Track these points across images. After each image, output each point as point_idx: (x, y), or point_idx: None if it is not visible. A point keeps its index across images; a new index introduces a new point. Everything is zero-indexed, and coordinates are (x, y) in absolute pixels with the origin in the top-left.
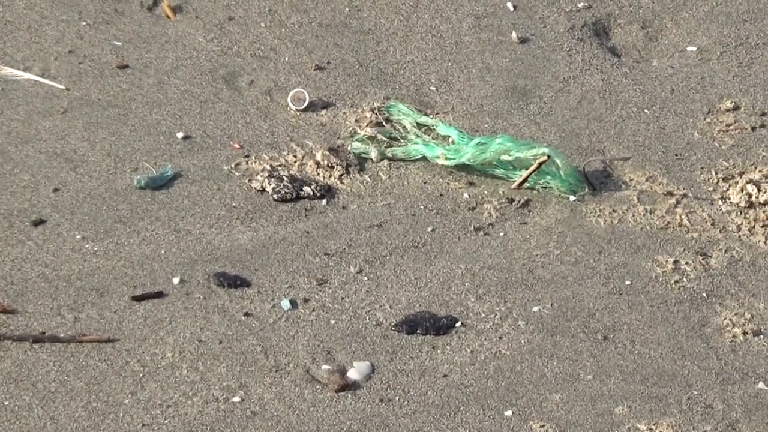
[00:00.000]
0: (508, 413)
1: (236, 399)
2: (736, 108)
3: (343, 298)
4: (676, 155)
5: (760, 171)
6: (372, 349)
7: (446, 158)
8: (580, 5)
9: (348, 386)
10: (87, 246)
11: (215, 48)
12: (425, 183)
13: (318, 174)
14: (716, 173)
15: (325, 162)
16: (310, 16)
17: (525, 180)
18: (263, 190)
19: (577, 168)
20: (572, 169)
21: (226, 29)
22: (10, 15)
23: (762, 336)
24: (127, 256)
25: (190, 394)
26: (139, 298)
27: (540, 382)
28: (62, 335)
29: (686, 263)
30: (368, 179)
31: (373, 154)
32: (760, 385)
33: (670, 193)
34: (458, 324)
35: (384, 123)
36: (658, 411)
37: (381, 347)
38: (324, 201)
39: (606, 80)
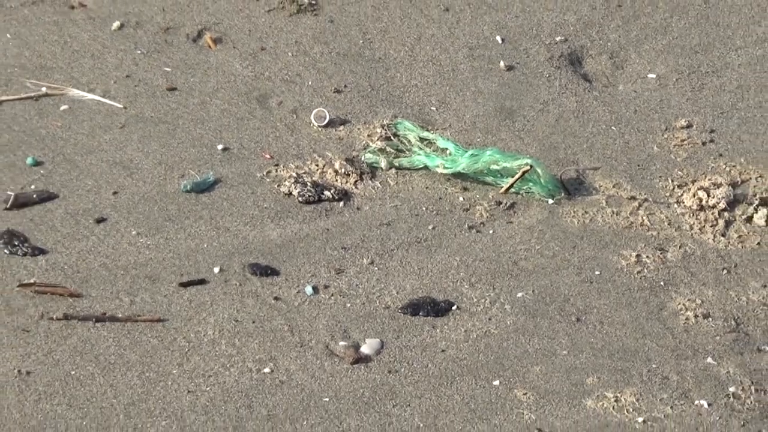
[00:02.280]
0: (496, 382)
1: (267, 370)
2: (689, 126)
3: (357, 285)
4: (639, 166)
5: (709, 179)
6: (382, 328)
7: (444, 167)
8: (558, 39)
9: (361, 359)
10: (141, 240)
11: (250, 73)
12: (427, 188)
13: (336, 180)
14: (672, 181)
15: (343, 170)
16: (330, 47)
17: (511, 186)
18: (290, 193)
19: (554, 176)
20: (551, 177)
21: (259, 58)
22: (76, 45)
23: (710, 318)
24: (175, 249)
25: (227, 365)
26: (185, 285)
27: (523, 356)
28: (120, 315)
29: (647, 257)
30: (379, 185)
31: (383, 163)
32: (709, 359)
33: (634, 198)
34: (454, 307)
35: (392, 137)
36: (623, 381)
37: (389, 327)
38: (341, 203)
39: (579, 102)
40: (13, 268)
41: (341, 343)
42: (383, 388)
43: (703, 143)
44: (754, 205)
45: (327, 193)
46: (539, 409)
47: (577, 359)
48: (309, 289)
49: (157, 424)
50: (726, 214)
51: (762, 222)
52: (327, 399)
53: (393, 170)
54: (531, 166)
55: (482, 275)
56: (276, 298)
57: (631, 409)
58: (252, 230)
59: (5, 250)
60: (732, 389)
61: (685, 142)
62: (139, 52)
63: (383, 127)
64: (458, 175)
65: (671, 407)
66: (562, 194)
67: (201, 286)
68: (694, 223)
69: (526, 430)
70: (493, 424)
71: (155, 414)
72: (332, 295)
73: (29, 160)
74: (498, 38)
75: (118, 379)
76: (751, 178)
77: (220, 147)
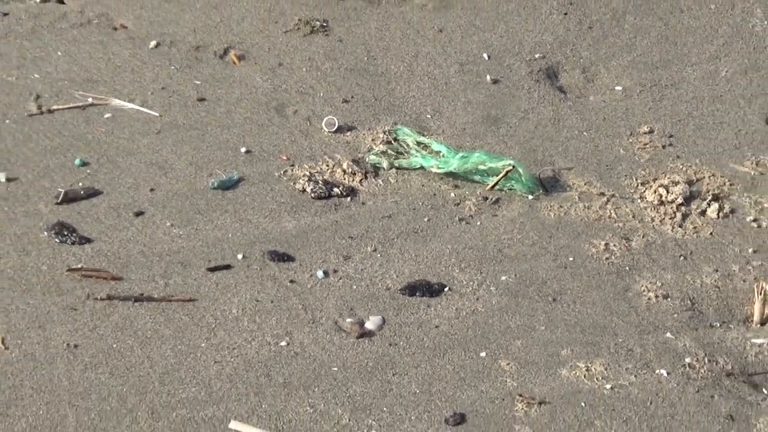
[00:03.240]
0: (483, 354)
1: (283, 343)
2: (650, 131)
3: (362, 269)
4: (607, 166)
5: (668, 178)
6: (383, 307)
7: (438, 167)
8: (537, 56)
9: (365, 334)
10: (174, 231)
11: (269, 86)
12: (423, 186)
13: (344, 179)
14: (636, 179)
15: (350, 170)
16: (339, 63)
17: (496, 184)
18: (304, 190)
19: (534, 175)
20: (530, 176)
21: (277, 72)
22: (118, 61)
23: (669, 299)
24: (204, 238)
25: (249, 339)
26: (212, 269)
27: (506, 331)
28: (156, 296)
29: (614, 245)
30: (381, 183)
31: (385, 164)
32: (668, 334)
33: (602, 194)
34: (446, 289)
35: (392, 141)
36: (593, 353)
37: (390, 306)
38: (348, 198)
39: (555, 111)
40: (63, 255)
41: (348, 319)
42: (384, 359)
43: (663, 146)
44: (707, 200)
45: (336, 189)
46: (520, 377)
47: (553, 334)
48: (320, 273)
49: (188, 391)
50: (683, 208)
51: (714, 215)
52: (335, 368)
53: (393, 170)
54: (513, 167)
55: (471, 261)
56: (291, 281)
57: (600, 378)
58: (271, 222)
59: (56, 239)
60: (688, 360)
61: (648, 146)
62: (173, 67)
63: (385, 133)
64: (450, 175)
65: (635, 376)
66: (541, 191)
67: (226, 271)
68: (655, 216)
69: (509, 396)
70: (480, 390)
71: (186, 381)
72: (340, 278)
73: (77, 161)
74: (485, 55)
75: (154, 351)
76: (704, 177)
77: (243, 150)
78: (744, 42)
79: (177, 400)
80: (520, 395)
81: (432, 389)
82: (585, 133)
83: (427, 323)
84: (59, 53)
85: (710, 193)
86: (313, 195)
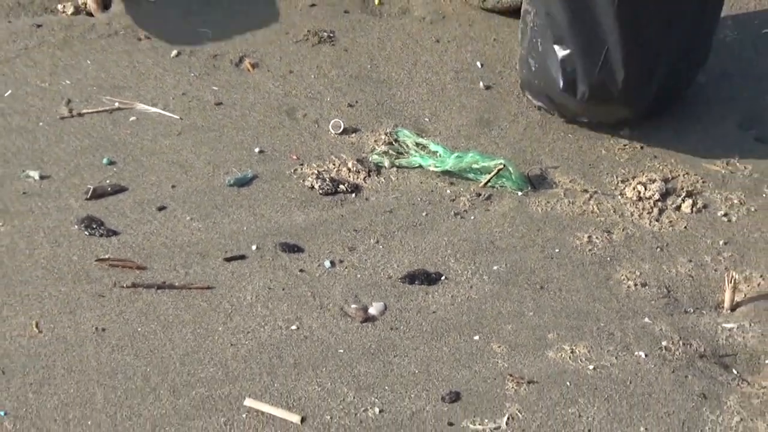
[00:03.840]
0: (476, 337)
1: (294, 327)
2: (630, 134)
3: (365, 260)
4: (590, 165)
5: (646, 176)
6: (385, 294)
7: (435, 166)
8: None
9: (369, 319)
10: (194, 224)
11: (280, 91)
12: (421, 183)
13: (349, 176)
14: (617, 177)
15: (354, 168)
16: (344, 71)
17: (488, 181)
18: (312, 187)
19: (523, 173)
20: (520, 174)
21: (287, 79)
22: (143, 69)
23: (647, 287)
24: (221, 231)
25: (262, 323)
26: (229, 259)
27: (498, 316)
28: (176, 284)
29: (596, 237)
30: (383, 180)
31: (386, 163)
32: (645, 319)
33: (586, 191)
34: (443, 278)
35: (393, 142)
36: (577, 337)
37: (391, 293)
38: (353, 195)
39: (542, 115)
40: (91, 246)
41: (353, 305)
42: (386, 342)
43: (641, 147)
44: (682, 196)
45: (342, 186)
46: (510, 358)
47: (540, 319)
48: (327, 263)
49: (206, 371)
50: (659, 203)
51: (688, 210)
52: (341, 350)
53: (394, 169)
54: (504, 165)
55: (465, 252)
56: (301, 270)
57: (583, 359)
58: (282, 216)
59: (85, 232)
60: (664, 343)
61: (627, 147)
62: (192, 74)
63: (386, 134)
64: (446, 173)
65: (616, 357)
66: (529, 188)
67: (241, 261)
68: (634, 211)
69: (500, 375)
70: (474, 371)
71: (204, 362)
72: (346, 267)
73: (105, 160)
74: (478, 64)
75: (175, 334)
76: (679, 175)
77: (256, 150)
78: (715, 53)
79: (196, 379)
80: (511, 375)
81: (430, 369)
82: (569, 135)
83: (425, 309)
84: (88, 62)
85: (684, 190)
86: (320, 191)
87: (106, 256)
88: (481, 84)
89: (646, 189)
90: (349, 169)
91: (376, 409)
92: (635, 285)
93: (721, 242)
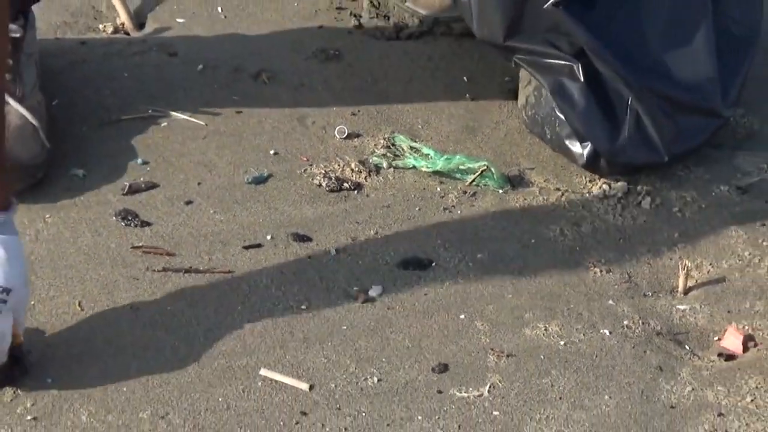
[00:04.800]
0: (462, 316)
1: (303, 307)
2: None
3: (366, 248)
4: (562, 167)
5: (611, 177)
6: (383, 278)
7: (427, 167)
8: (506, 79)
9: (368, 300)
10: (216, 217)
11: (292, 101)
12: (415, 182)
13: (352, 176)
14: (585, 178)
15: (357, 169)
16: (349, 84)
17: (473, 181)
18: (320, 185)
19: (503, 174)
20: (501, 174)
21: (299, 90)
22: (173, 81)
23: (611, 273)
24: (240, 222)
25: (276, 303)
26: (247, 247)
27: (481, 298)
28: (201, 268)
29: (567, 230)
30: (382, 179)
31: (385, 164)
32: (610, 302)
33: (558, 189)
34: (433, 264)
35: (391, 146)
36: (550, 316)
37: (388, 277)
38: (356, 192)
39: (520, 123)
40: (127, 236)
41: (355, 288)
42: (383, 320)
43: None
44: (642, 194)
45: (346, 184)
46: (492, 335)
47: (518, 300)
48: (333, 251)
49: (227, 344)
50: (622, 200)
51: (647, 206)
52: (345, 327)
53: (391, 169)
54: (487, 167)
55: (453, 242)
56: (310, 257)
57: (555, 336)
58: (294, 210)
59: (122, 223)
60: (626, 322)
61: None
62: (215, 86)
63: (385, 139)
64: (437, 173)
65: (583, 334)
66: (509, 186)
67: (258, 248)
68: (600, 207)
69: (483, 350)
70: (460, 345)
71: (225, 336)
72: (349, 255)
73: (139, 161)
74: (465, 78)
75: (200, 312)
76: (640, 177)
77: (272, 152)
78: None
79: (218, 351)
80: (492, 349)
81: (421, 344)
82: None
83: (417, 291)
84: (125, 74)
85: (644, 189)
86: (327, 189)
87: (140, 244)
88: (467, 95)
89: (610, 188)
90: (352, 170)
91: (375, 379)
92: (601, 271)
93: (675, 234)
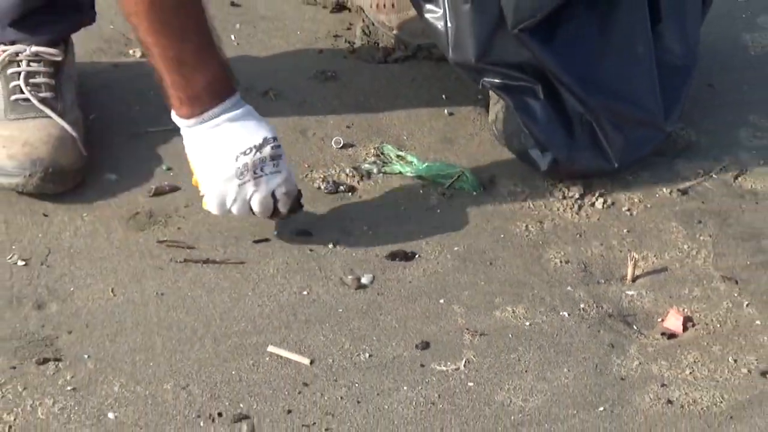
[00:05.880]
0: (441, 301)
1: (305, 293)
2: None
3: (359, 242)
4: (527, 172)
5: (569, 181)
6: (373, 268)
7: (411, 173)
8: (479, 97)
9: (361, 287)
10: (231, 215)
11: (296, 116)
12: (401, 185)
13: (347, 180)
14: (546, 182)
15: (351, 174)
16: (344, 101)
17: (451, 184)
18: (319, 188)
19: (477, 178)
20: (475, 179)
21: (301, 106)
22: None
23: (569, 263)
24: (251, 220)
25: (281, 289)
26: (256, 242)
27: (458, 285)
28: (217, 260)
29: (531, 227)
30: (372, 183)
31: (375, 170)
32: (568, 288)
33: (523, 192)
34: (417, 256)
35: (380, 155)
36: (517, 301)
37: (378, 267)
38: (350, 194)
39: (491, 136)
40: (153, 232)
41: (349, 276)
42: (374, 304)
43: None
44: (596, 196)
45: (341, 187)
46: (467, 317)
47: (490, 287)
48: (330, 245)
49: (239, 325)
50: (579, 201)
51: (600, 206)
52: (341, 310)
53: (381, 175)
54: (463, 173)
55: (433, 236)
56: (311, 250)
57: (521, 317)
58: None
59: (149, 220)
60: (582, 305)
61: None
62: None
63: (375, 149)
64: (420, 177)
65: (546, 316)
66: (481, 189)
67: (266, 242)
68: (560, 207)
69: (459, 330)
70: (440, 326)
71: (238, 318)
72: (344, 247)
73: (164, 167)
74: (443, 96)
75: (216, 297)
76: (594, 181)
77: None
78: None
79: (232, 331)
80: (467, 329)
81: (407, 325)
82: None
83: (403, 279)
84: (152, 93)
85: (598, 191)
86: (325, 191)
87: (165, 239)
88: (445, 111)
89: (569, 191)
90: (346, 175)
91: (367, 354)
92: (560, 262)
93: (624, 230)
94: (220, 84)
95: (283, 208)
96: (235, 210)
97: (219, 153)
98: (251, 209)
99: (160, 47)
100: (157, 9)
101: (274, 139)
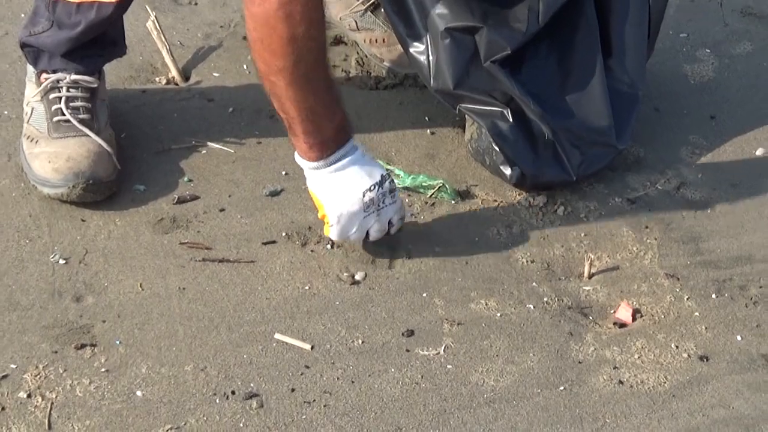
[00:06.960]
0: (424, 294)
1: (306, 288)
2: None
3: (353, 245)
4: (498, 184)
5: (535, 192)
6: (365, 266)
7: (398, 184)
8: (457, 119)
9: (355, 282)
10: (243, 220)
11: None
12: None
13: None
14: (516, 192)
15: None
16: None
17: (432, 194)
18: None
19: (455, 189)
20: (453, 189)
21: None
22: (210, 119)
23: (535, 262)
24: (261, 225)
25: (286, 285)
26: (265, 243)
27: (438, 281)
28: (231, 259)
29: (502, 231)
30: None
31: None
32: (533, 284)
33: (495, 200)
34: (404, 256)
35: None
36: (489, 295)
37: (369, 265)
38: None
39: (467, 152)
40: (176, 235)
41: (345, 273)
42: (366, 298)
43: None
44: (557, 204)
45: None
46: (446, 309)
47: (466, 283)
48: (329, 246)
49: (250, 315)
50: (543, 209)
51: (561, 213)
52: (337, 303)
53: None
54: (443, 184)
55: (417, 239)
56: (312, 250)
57: (493, 309)
58: (300, 216)
59: (173, 225)
60: (545, 299)
61: None
62: (242, 123)
63: None
64: (405, 188)
65: (514, 308)
66: (459, 199)
67: (273, 244)
68: (526, 214)
69: (439, 320)
70: (423, 316)
71: (249, 309)
72: (341, 249)
73: (185, 179)
74: (426, 117)
75: (230, 291)
76: (556, 191)
77: (284, 173)
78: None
79: (244, 320)
80: (446, 319)
81: (395, 315)
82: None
83: (391, 276)
84: (175, 114)
85: (559, 200)
86: None
87: (186, 241)
88: (428, 131)
89: (534, 200)
90: None
91: (360, 341)
92: (527, 262)
93: (582, 234)
94: (344, 131)
95: (394, 231)
96: (354, 237)
97: (347, 191)
98: (367, 234)
99: (298, 100)
100: (301, 65)
101: (388, 174)
